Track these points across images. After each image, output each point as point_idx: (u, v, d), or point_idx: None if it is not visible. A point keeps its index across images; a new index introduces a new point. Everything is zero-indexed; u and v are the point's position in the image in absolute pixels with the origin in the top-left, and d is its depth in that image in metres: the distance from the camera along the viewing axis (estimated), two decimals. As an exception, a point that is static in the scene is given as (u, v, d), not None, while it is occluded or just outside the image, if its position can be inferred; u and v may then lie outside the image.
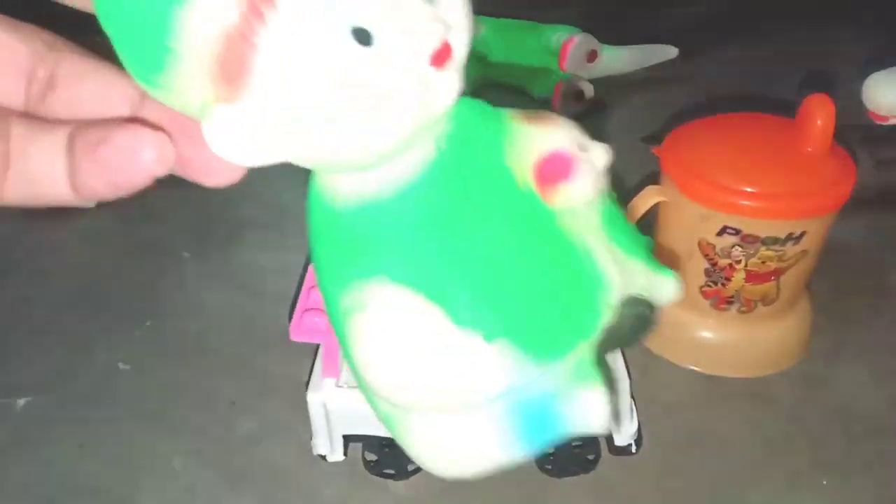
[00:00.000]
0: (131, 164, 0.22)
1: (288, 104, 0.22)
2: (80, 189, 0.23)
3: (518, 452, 0.31)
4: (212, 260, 0.76)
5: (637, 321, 0.34)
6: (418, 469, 0.52)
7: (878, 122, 0.54)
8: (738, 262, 0.55)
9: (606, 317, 0.32)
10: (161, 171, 0.23)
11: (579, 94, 0.92)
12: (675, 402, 0.58)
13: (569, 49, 0.90)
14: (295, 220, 0.70)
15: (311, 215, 0.30)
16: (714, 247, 0.55)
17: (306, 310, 0.47)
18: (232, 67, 0.22)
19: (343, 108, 0.23)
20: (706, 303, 0.59)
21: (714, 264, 0.56)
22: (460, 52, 0.25)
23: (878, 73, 0.53)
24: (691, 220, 0.55)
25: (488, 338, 0.29)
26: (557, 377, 0.31)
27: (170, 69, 0.22)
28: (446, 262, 0.29)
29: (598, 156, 0.31)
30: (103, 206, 0.76)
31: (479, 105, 0.31)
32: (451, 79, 0.25)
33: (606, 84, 0.95)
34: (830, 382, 0.60)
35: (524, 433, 0.31)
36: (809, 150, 0.54)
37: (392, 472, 0.52)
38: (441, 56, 0.24)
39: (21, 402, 0.60)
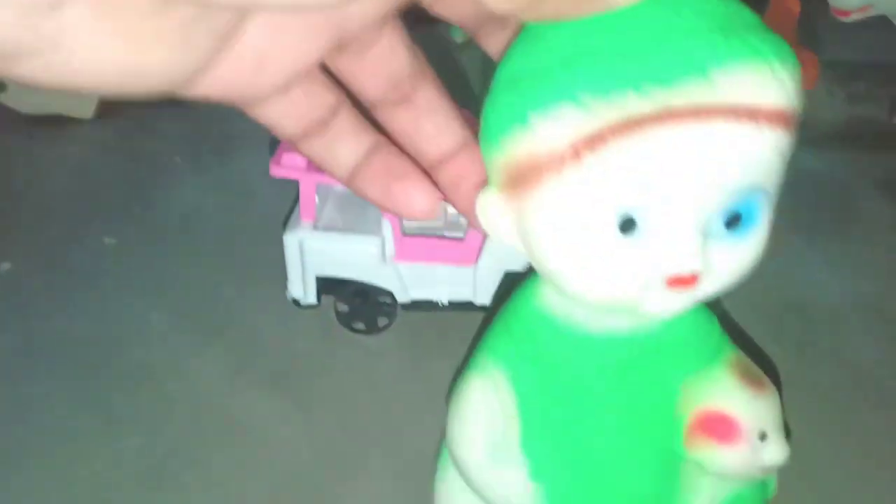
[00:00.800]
0: (405, 207, 0.27)
1: (537, 230, 0.27)
2: (350, 183, 0.27)
3: None
4: (205, 166, 0.78)
5: None
6: (389, 325, 0.54)
7: (842, 18, 0.57)
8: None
9: None
10: (425, 218, 0.28)
11: None
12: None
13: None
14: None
15: (524, 299, 0.33)
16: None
17: (287, 150, 0.50)
18: (522, 179, 0.26)
19: (577, 258, 0.27)
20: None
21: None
22: (703, 291, 0.28)
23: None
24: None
25: (533, 477, 0.33)
26: None
27: (503, 149, 0.26)
28: (562, 410, 0.32)
29: (772, 453, 0.32)
30: (101, 119, 0.80)
31: (710, 326, 0.34)
32: (673, 301, 0.28)
33: None
34: (789, 279, 0.63)
35: None
36: (774, 41, 0.56)
37: (363, 326, 0.54)
38: (677, 282, 0.27)
39: (5, 265, 0.62)
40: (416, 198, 0.27)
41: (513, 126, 0.25)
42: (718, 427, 0.32)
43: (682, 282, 0.27)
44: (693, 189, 0.25)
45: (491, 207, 0.28)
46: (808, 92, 0.68)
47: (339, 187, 0.56)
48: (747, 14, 0.26)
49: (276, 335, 0.55)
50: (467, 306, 0.53)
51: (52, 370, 0.52)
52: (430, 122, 0.27)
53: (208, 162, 0.79)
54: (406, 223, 0.52)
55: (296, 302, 0.54)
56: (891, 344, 0.56)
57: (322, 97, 0.25)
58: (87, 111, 0.85)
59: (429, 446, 0.42)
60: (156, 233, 0.66)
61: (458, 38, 1.02)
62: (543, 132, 0.25)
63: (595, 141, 0.24)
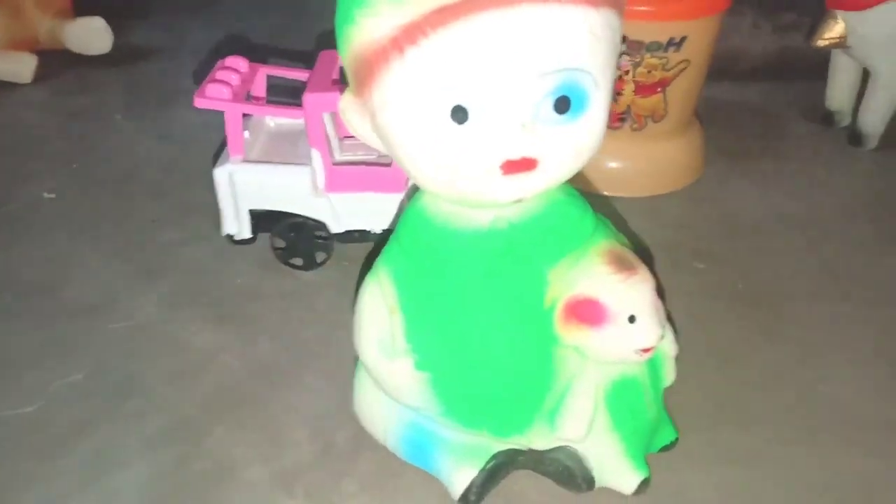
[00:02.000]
0: None
1: (384, 125, 0.29)
2: None
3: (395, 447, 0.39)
4: (143, 120, 0.78)
5: (562, 470, 0.38)
6: (326, 259, 0.56)
7: None
8: (627, 72, 0.59)
9: (529, 439, 0.37)
10: None
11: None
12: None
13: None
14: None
15: (410, 205, 0.36)
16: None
17: (212, 81, 0.50)
18: (363, 74, 0.29)
19: (419, 149, 0.29)
20: (601, 121, 0.63)
21: (605, 78, 0.60)
22: (542, 177, 0.30)
23: None
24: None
25: (418, 366, 0.35)
26: (454, 435, 0.37)
27: (344, 50, 0.30)
28: (439, 301, 0.35)
29: (642, 335, 0.34)
30: (39, 80, 0.79)
31: (579, 216, 0.35)
32: (513, 187, 0.30)
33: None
34: (718, 198, 0.65)
35: (407, 443, 0.39)
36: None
37: (300, 262, 0.55)
38: (511, 166, 0.29)
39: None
40: None
41: (346, 25, 0.28)
42: (586, 311, 0.33)
43: (517, 166, 0.29)
44: (511, 75, 0.27)
45: (349, 111, 0.31)
46: (737, 26, 0.70)
47: (268, 121, 0.56)
48: None
49: (215, 272, 0.56)
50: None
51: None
52: None
53: (145, 116, 0.79)
54: (336, 154, 0.53)
55: (230, 238, 0.55)
56: (808, 254, 0.58)
57: None
58: (26, 76, 0.84)
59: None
60: (95, 185, 0.67)
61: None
62: (366, 27, 0.27)
63: (413, 31, 0.27)
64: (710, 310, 0.52)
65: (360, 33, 0.28)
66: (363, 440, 0.41)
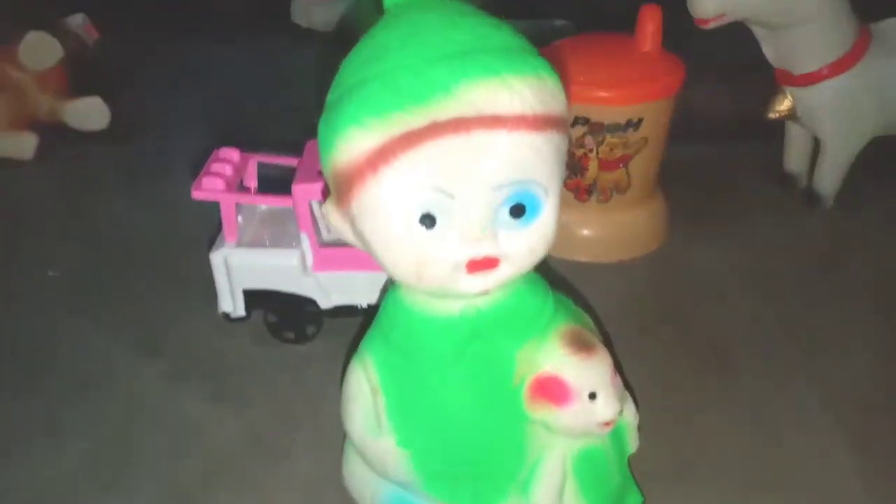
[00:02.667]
0: None
1: (362, 231, 0.34)
2: None
3: None
4: (140, 193, 0.82)
5: None
6: (317, 332, 0.59)
7: (702, 27, 0.64)
8: (591, 150, 0.64)
9: None
10: None
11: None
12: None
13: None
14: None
15: (389, 294, 0.40)
16: (569, 139, 0.64)
17: (207, 174, 0.55)
18: (343, 189, 0.33)
19: (394, 252, 0.34)
20: (570, 195, 0.67)
21: (572, 156, 0.65)
22: (503, 273, 0.35)
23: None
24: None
25: (400, 445, 0.39)
26: None
27: (326, 167, 0.34)
28: (417, 383, 0.38)
29: (602, 410, 0.38)
30: (40, 157, 0.83)
31: (541, 301, 0.39)
32: (478, 282, 0.35)
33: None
34: (682, 261, 0.69)
35: None
36: (644, 51, 0.63)
37: (292, 335, 0.59)
38: (474, 265, 0.34)
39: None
40: None
41: (328, 149, 0.33)
42: (551, 390, 0.37)
43: (480, 265, 0.34)
44: (471, 188, 0.32)
45: (332, 215, 0.35)
46: (697, 91, 0.75)
47: (260, 206, 0.61)
48: (501, 35, 0.33)
49: (210, 347, 0.59)
50: (384, 308, 0.59)
51: None
52: None
53: (142, 189, 0.83)
54: (322, 235, 0.57)
55: (226, 316, 0.59)
56: (765, 311, 0.63)
57: None
58: (28, 153, 0.89)
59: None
60: (95, 259, 0.71)
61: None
62: (344, 151, 0.32)
63: (385, 154, 0.31)
64: (672, 372, 0.56)
65: (339, 156, 0.32)
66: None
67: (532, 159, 0.33)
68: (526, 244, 0.34)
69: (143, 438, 0.51)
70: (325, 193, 0.36)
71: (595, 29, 0.69)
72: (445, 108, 0.31)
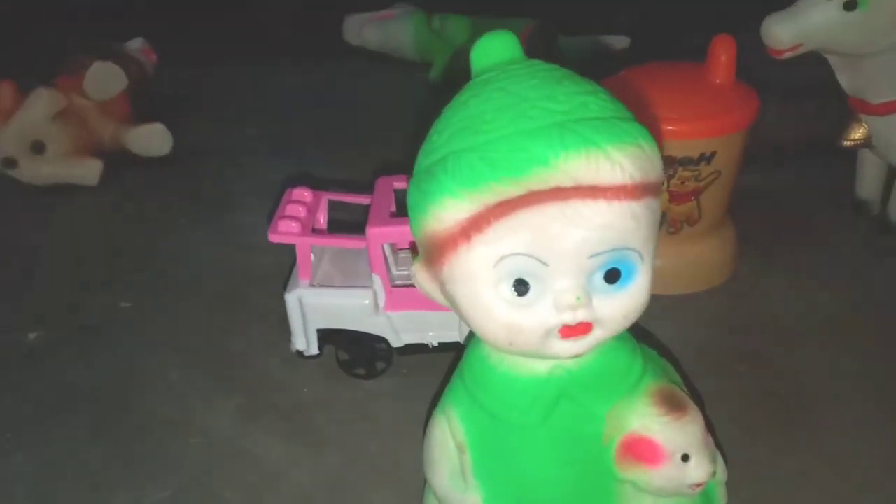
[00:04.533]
0: None
1: (453, 294, 0.34)
2: None
3: None
4: (206, 223, 0.84)
5: None
6: (386, 368, 0.59)
7: (776, 57, 0.62)
8: (662, 183, 0.63)
9: None
10: None
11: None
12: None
13: (527, 34, 1.00)
14: (278, 190, 0.78)
15: (473, 348, 0.40)
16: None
17: (282, 217, 0.55)
18: (435, 253, 0.34)
19: (485, 317, 0.34)
20: (639, 226, 0.66)
21: (642, 188, 0.64)
22: (596, 337, 0.34)
23: (773, 13, 0.62)
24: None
25: (487, 502, 0.39)
26: None
27: (418, 233, 0.34)
28: (504, 442, 0.38)
29: (696, 472, 0.37)
30: (105, 183, 0.85)
31: (630, 359, 0.39)
32: (571, 347, 0.35)
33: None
34: (753, 293, 0.68)
35: None
36: (717, 82, 0.62)
37: (362, 371, 0.59)
38: (568, 331, 0.34)
39: (32, 335, 0.67)
40: None
41: (420, 216, 0.33)
42: (643, 451, 0.37)
43: (573, 331, 0.33)
44: (566, 255, 0.32)
45: (420, 276, 0.35)
46: (765, 116, 0.73)
47: (332, 246, 0.61)
48: (599, 103, 0.32)
49: (284, 384, 0.60)
50: (455, 346, 0.59)
51: (78, 428, 0.57)
52: None
53: (208, 219, 0.84)
54: (393, 269, 0.57)
55: (300, 353, 0.59)
56: (844, 351, 0.61)
57: None
58: (93, 179, 0.91)
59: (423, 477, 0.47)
60: (165, 292, 0.72)
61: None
62: (438, 219, 0.32)
63: (479, 222, 0.31)
64: (751, 415, 0.55)
65: (432, 222, 0.32)
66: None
67: (630, 227, 0.32)
68: (620, 309, 0.34)
69: (221, 483, 0.52)
70: (414, 251, 0.36)
71: (650, 43, 0.68)
72: (543, 180, 0.30)
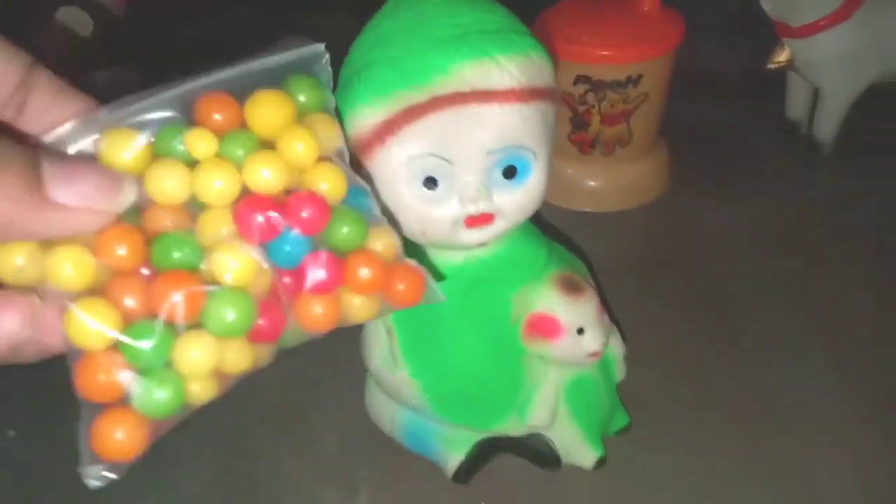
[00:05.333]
0: None
1: (378, 194, 0.38)
2: None
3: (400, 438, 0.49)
4: None
5: (534, 452, 0.48)
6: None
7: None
8: (593, 106, 0.68)
9: (506, 429, 0.46)
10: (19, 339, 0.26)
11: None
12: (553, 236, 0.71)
13: None
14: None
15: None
16: (573, 96, 0.68)
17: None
18: (359, 156, 0.38)
19: (403, 211, 0.38)
20: (574, 149, 0.71)
21: (575, 112, 0.69)
22: (498, 227, 0.39)
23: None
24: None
25: (412, 375, 0.45)
26: (446, 428, 0.47)
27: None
28: (426, 323, 0.44)
29: (590, 343, 0.43)
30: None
31: (535, 250, 0.44)
32: (476, 235, 0.40)
33: None
34: (681, 210, 0.73)
35: (409, 435, 0.49)
36: (644, 9, 0.66)
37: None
38: (472, 221, 0.39)
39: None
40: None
41: (343, 122, 0.37)
42: (544, 326, 0.43)
43: (476, 221, 0.39)
44: (467, 153, 0.37)
45: None
46: (715, 47, 0.77)
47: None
48: (495, 18, 0.37)
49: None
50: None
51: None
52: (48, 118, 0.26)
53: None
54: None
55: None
56: (764, 259, 0.66)
57: None
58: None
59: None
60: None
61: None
62: (356, 124, 0.37)
63: (391, 126, 0.36)
64: (666, 314, 0.61)
65: (352, 128, 0.37)
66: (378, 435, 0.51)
67: (521, 127, 0.37)
68: (517, 201, 0.39)
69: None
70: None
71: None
72: (444, 86, 0.35)
